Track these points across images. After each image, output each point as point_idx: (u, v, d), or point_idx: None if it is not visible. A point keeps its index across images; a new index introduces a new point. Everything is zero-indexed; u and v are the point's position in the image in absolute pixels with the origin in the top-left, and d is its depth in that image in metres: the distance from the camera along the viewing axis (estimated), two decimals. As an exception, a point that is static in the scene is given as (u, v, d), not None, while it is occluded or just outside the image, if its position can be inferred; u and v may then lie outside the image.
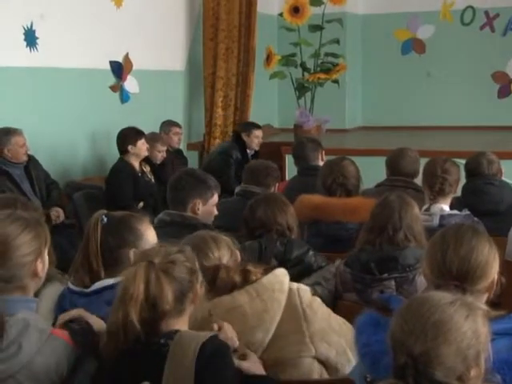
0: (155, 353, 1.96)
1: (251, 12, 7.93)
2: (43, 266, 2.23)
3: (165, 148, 6.23)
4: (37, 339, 2.04)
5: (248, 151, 6.76)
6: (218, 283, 2.34)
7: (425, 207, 3.83)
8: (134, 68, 6.84)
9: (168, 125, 6.69)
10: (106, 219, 2.57)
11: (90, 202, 5.53)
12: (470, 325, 1.64)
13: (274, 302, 2.31)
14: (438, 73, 9.40)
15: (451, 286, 1.98)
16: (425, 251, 2.20)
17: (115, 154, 6.47)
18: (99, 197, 5.67)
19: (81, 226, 5.26)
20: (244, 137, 6.76)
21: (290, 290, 2.36)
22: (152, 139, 6.08)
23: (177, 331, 1.99)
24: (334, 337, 2.40)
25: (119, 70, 6.71)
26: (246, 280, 2.35)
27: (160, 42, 7.21)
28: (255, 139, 6.76)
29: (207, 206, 3.60)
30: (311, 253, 3.37)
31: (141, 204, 5.66)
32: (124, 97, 6.80)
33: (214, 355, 1.94)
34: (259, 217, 3.34)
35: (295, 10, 7.98)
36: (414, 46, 9.57)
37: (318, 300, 2.46)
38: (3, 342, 1.96)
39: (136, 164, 5.78)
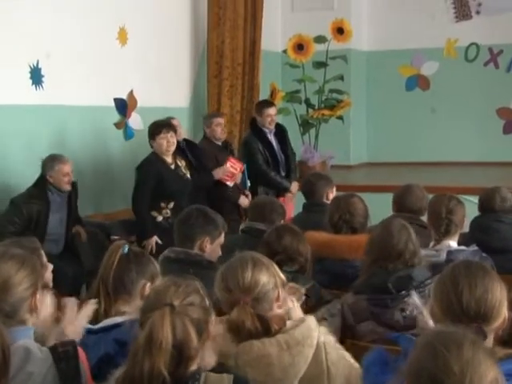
0: None
1: (255, 49, 8.04)
2: (40, 300, 2.29)
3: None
4: (42, 363, 2.10)
5: (267, 134, 6.83)
6: (229, 320, 2.32)
7: (431, 244, 3.85)
8: (139, 105, 6.88)
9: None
10: (126, 249, 2.63)
11: (90, 239, 5.55)
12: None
13: (301, 358, 2.29)
14: (440, 109, 9.46)
15: (470, 329, 1.95)
16: (433, 291, 2.21)
17: (119, 191, 6.49)
18: (99, 235, 5.68)
19: (81, 263, 5.33)
20: (257, 117, 6.90)
21: (317, 344, 2.33)
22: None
23: (198, 371, 2.00)
24: None
25: (123, 107, 6.77)
26: (266, 329, 2.31)
27: (164, 79, 7.29)
28: (268, 118, 6.81)
29: (214, 246, 3.63)
30: (317, 288, 3.40)
31: (171, 204, 5.57)
32: (128, 133, 6.84)
33: None
34: (285, 244, 3.41)
35: (299, 47, 8.07)
36: (418, 82, 9.64)
37: (340, 354, 2.43)
38: (10, 372, 1.97)
39: (167, 158, 5.68)
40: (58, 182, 5.28)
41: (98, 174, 6.51)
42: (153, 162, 5.62)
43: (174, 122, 6.22)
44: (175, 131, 5.76)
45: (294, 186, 6.84)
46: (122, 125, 6.78)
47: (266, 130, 6.85)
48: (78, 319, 2.34)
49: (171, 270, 3.14)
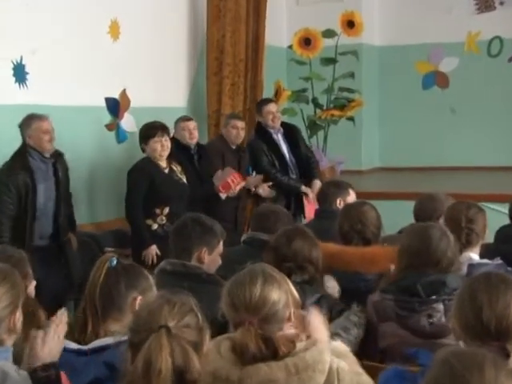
0: None
1: (259, 44, 7.98)
2: (20, 319, 2.31)
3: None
4: None
5: (273, 135, 6.88)
6: (233, 340, 2.29)
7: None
8: (132, 105, 6.85)
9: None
10: (115, 262, 2.65)
11: (82, 251, 5.52)
12: None
13: (311, 383, 2.26)
14: (460, 109, 9.43)
15: (492, 347, 2.00)
16: (453, 307, 2.24)
17: (112, 199, 6.45)
18: (92, 246, 5.68)
19: (71, 275, 5.31)
20: (258, 118, 6.97)
21: (330, 369, 2.30)
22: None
23: None
24: None
25: (115, 107, 6.74)
26: (273, 352, 2.27)
27: (160, 77, 7.27)
28: (269, 115, 6.87)
29: (213, 255, 3.67)
30: (327, 298, 3.43)
31: (166, 210, 5.62)
32: (120, 136, 6.81)
33: None
34: (295, 249, 3.44)
35: (306, 42, 8.06)
36: (436, 79, 9.62)
37: (355, 380, 2.40)
38: None
39: (161, 162, 5.74)
40: (38, 141, 5.22)
41: (89, 180, 6.49)
42: (145, 166, 5.68)
43: (190, 124, 6.30)
44: (169, 134, 5.82)
45: (316, 185, 6.77)
46: (113, 126, 6.73)
47: (272, 131, 6.92)
48: (51, 339, 2.32)
49: (168, 283, 3.21)
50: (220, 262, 3.69)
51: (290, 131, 7.03)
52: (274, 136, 6.94)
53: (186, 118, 6.42)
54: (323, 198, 5.12)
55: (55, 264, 5.29)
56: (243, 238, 4.48)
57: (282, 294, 2.37)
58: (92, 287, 2.62)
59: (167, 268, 3.56)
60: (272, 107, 6.92)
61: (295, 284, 3.14)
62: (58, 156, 5.38)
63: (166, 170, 5.74)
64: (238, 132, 6.72)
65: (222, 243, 3.73)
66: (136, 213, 5.58)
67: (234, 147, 6.75)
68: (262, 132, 6.94)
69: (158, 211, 5.61)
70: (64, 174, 5.44)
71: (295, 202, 6.86)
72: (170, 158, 5.80)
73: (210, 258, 3.64)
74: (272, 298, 2.34)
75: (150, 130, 5.73)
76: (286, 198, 6.80)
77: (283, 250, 3.45)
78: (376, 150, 9.87)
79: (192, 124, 6.32)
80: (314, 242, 3.56)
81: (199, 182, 6.16)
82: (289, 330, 2.37)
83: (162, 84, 7.31)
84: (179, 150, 6.12)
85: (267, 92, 8.05)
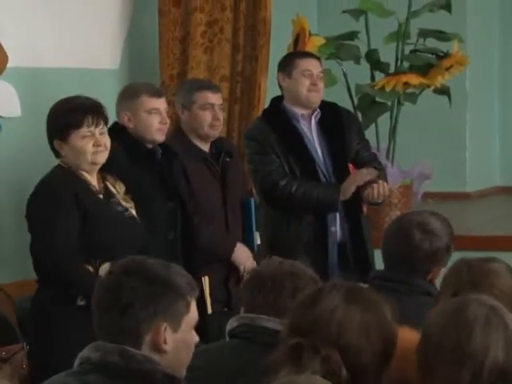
0: None
1: None
2: None
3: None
4: None
5: (299, 119, 7.10)
6: None
7: None
8: (11, 64, 6.90)
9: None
10: None
11: None
12: None
13: None
14: None
15: None
16: None
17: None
18: None
19: None
20: (282, 82, 7.19)
21: None
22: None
23: None
24: None
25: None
26: None
27: (67, 11, 7.46)
28: (304, 80, 7.02)
29: (180, 335, 3.63)
30: None
31: (103, 267, 5.67)
32: (-12, 125, 6.86)
33: None
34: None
35: None
36: None
37: None
38: None
39: (89, 177, 5.83)
40: None
41: None
42: (68, 180, 5.77)
43: (160, 102, 6.47)
44: (106, 121, 5.89)
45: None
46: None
47: (298, 112, 7.00)
48: None
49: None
50: (197, 339, 3.72)
51: (332, 118, 7.17)
52: (302, 124, 7.10)
53: (151, 91, 6.54)
54: (392, 252, 5.21)
55: None
56: (230, 325, 4.47)
57: None
58: None
59: (92, 358, 3.57)
60: (312, 64, 7.13)
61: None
62: None
63: (100, 195, 5.90)
64: (215, 114, 6.89)
65: (194, 306, 3.69)
66: (68, 260, 5.65)
67: (206, 150, 6.90)
68: (274, 113, 7.15)
69: (90, 269, 5.74)
70: None
71: (339, 248, 6.96)
72: (103, 171, 5.94)
73: (176, 341, 3.60)
74: None
75: (72, 114, 5.78)
76: (319, 241, 6.92)
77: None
78: (495, 154, 10.42)
79: (161, 101, 6.50)
80: None
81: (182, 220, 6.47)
82: None
83: (75, 25, 7.55)
84: (133, 151, 6.28)
85: (280, 38, 8.23)
